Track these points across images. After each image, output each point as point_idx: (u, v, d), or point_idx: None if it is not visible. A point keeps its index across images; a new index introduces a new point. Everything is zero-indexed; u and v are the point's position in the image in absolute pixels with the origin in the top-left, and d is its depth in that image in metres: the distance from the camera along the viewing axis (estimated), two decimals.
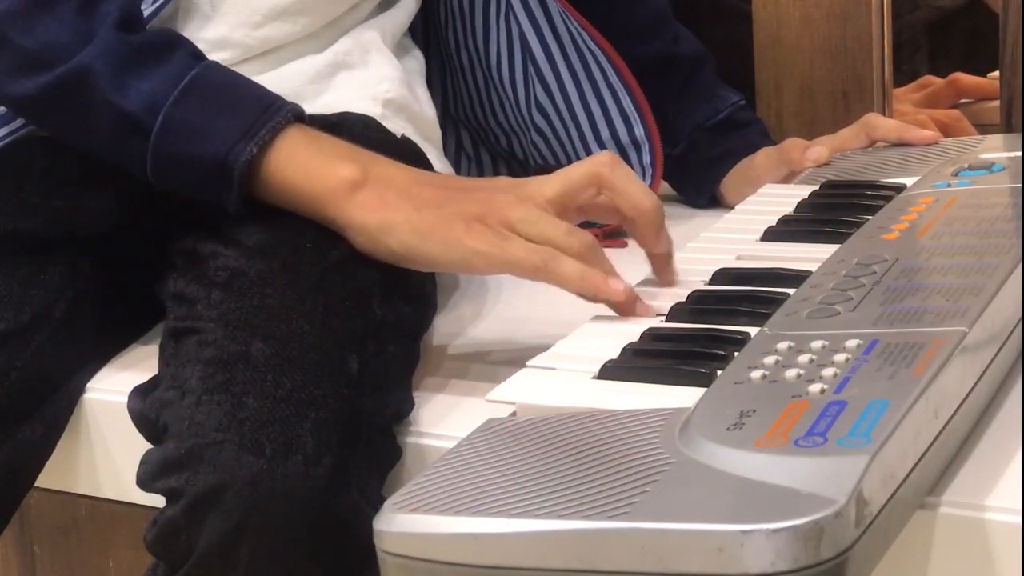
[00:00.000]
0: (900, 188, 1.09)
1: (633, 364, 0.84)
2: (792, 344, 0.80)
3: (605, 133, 1.28)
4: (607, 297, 0.92)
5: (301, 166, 0.98)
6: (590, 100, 1.27)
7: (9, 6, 1.02)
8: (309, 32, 1.12)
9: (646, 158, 1.28)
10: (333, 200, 0.97)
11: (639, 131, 1.28)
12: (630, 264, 0.99)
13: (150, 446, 0.92)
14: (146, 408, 0.94)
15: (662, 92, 1.30)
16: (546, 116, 1.28)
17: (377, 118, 1.13)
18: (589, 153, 1.28)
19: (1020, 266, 0.88)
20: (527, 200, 0.94)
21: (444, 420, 0.96)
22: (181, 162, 0.99)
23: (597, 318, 0.93)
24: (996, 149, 1.16)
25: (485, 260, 0.93)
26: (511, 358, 1.01)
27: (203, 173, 0.98)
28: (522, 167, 1.33)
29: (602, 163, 0.96)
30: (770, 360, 0.78)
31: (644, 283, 0.97)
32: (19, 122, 1.09)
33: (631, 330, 0.89)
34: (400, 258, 0.96)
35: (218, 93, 0.99)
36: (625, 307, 0.93)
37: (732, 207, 1.16)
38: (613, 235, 1.20)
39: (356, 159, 0.98)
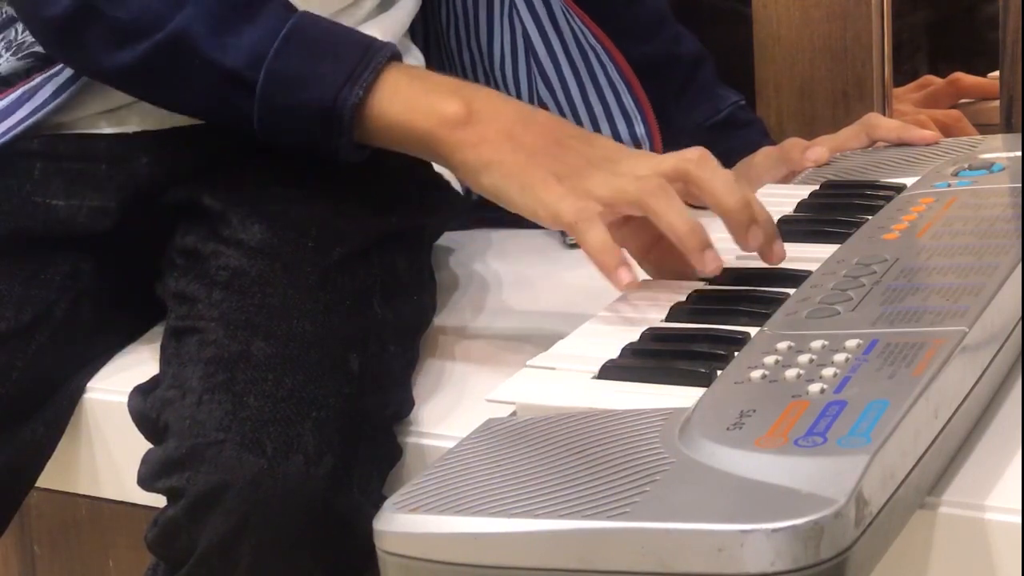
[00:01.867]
0: (900, 188, 1.09)
1: (633, 364, 0.84)
2: (792, 344, 0.80)
3: (606, 130, 1.28)
4: (611, 280, 0.92)
5: (405, 104, 0.98)
6: (591, 97, 1.27)
7: None
8: None
9: None
10: (438, 137, 0.97)
11: (640, 129, 1.28)
12: None
13: (150, 446, 0.93)
14: (147, 408, 0.95)
15: (662, 91, 1.30)
16: None
17: None
18: None
19: (1020, 266, 0.88)
20: (617, 175, 0.94)
21: (444, 420, 0.96)
22: (289, 112, 0.99)
23: (597, 318, 0.93)
24: (996, 149, 1.15)
25: (545, 212, 0.93)
26: (511, 358, 1.01)
27: (312, 120, 0.98)
28: None
29: (689, 159, 0.94)
30: (770, 360, 0.78)
31: (647, 284, 0.97)
32: (18, 117, 1.09)
33: (631, 330, 0.88)
34: (492, 196, 0.96)
35: (317, 40, 1.00)
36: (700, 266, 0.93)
37: None
38: None
39: (459, 93, 0.98)
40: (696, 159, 0.94)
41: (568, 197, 0.92)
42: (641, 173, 0.93)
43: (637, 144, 1.28)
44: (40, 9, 1.05)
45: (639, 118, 1.28)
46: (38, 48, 1.10)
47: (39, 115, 1.09)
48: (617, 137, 1.28)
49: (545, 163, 0.94)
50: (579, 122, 1.28)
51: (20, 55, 1.11)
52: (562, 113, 1.28)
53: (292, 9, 1.02)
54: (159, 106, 1.07)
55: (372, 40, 1.01)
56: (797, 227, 1.05)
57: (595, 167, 0.94)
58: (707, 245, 0.92)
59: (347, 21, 1.15)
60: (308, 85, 0.98)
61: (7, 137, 1.09)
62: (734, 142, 1.31)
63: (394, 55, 1.00)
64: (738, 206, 0.93)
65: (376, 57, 0.99)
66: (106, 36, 1.02)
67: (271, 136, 1.01)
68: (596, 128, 1.28)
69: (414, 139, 0.98)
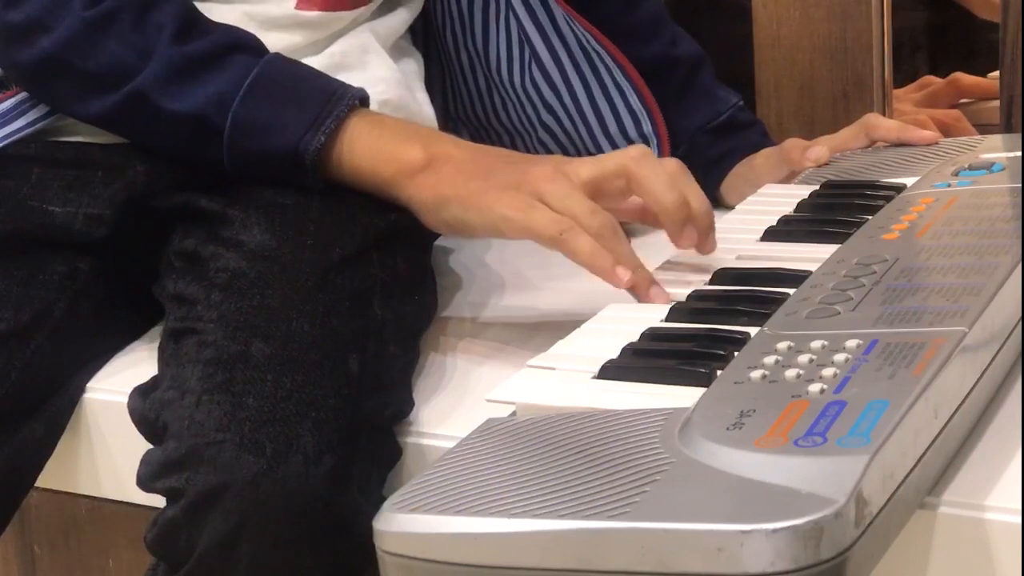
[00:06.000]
0: (900, 188, 1.09)
1: (633, 364, 0.84)
2: (792, 344, 0.80)
3: (613, 128, 1.28)
4: (610, 281, 0.95)
5: (366, 151, 1.03)
6: (598, 98, 1.28)
7: (67, 33, 1.04)
8: (307, 43, 1.13)
9: (654, 153, 1.28)
10: (398, 182, 1.02)
11: (647, 127, 1.28)
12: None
13: (150, 446, 0.92)
14: (146, 408, 0.94)
15: (662, 94, 1.30)
16: (554, 114, 1.28)
17: None
18: (599, 148, 1.28)
19: (1020, 266, 0.88)
20: (563, 177, 0.97)
21: (444, 420, 0.96)
22: (256, 157, 1.03)
23: (597, 318, 0.93)
24: (996, 149, 1.15)
25: (510, 225, 0.97)
26: (511, 358, 1.01)
27: (278, 164, 1.03)
28: None
29: (631, 156, 0.98)
30: (770, 360, 0.78)
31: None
32: (18, 124, 1.10)
33: (631, 330, 0.89)
34: (453, 229, 1.02)
35: (282, 88, 1.04)
36: (637, 293, 0.95)
37: (732, 207, 1.16)
38: None
39: (418, 140, 1.03)
40: (637, 157, 0.98)
41: (530, 209, 0.96)
42: (586, 174, 0.97)
43: (645, 143, 1.28)
44: (11, 53, 1.07)
45: (646, 117, 1.28)
46: None
47: (39, 125, 1.09)
48: (625, 136, 1.28)
49: (496, 181, 0.99)
50: (586, 122, 1.28)
51: None
52: (568, 115, 1.28)
53: (262, 54, 1.05)
54: (139, 144, 1.08)
55: (337, 87, 1.05)
56: (797, 227, 1.05)
57: (544, 168, 0.98)
58: (650, 283, 0.95)
59: (346, 23, 1.16)
60: (272, 132, 1.03)
61: (7, 141, 1.09)
62: (735, 143, 1.31)
63: (361, 99, 1.05)
64: (674, 205, 0.97)
65: (339, 105, 1.03)
66: (75, 87, 1.06)
67: (243, 175, 1.05)
68: (603, 127, 1.28)
69: (377, 183, 1.03)
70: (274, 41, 1.09)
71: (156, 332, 1.09)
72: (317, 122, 1.02)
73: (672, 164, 0.99)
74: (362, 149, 1.03)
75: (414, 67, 1.22)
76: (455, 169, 1.01)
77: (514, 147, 1.33)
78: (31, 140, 1.09)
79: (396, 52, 1.20)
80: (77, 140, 1.10)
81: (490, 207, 0.97)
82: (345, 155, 1.03)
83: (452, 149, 1.03)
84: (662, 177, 0.97)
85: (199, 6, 1.08)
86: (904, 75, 1.66)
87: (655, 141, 1.28)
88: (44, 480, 1.07)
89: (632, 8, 1.33)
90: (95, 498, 1.11)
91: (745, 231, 1.05)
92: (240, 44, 1.05)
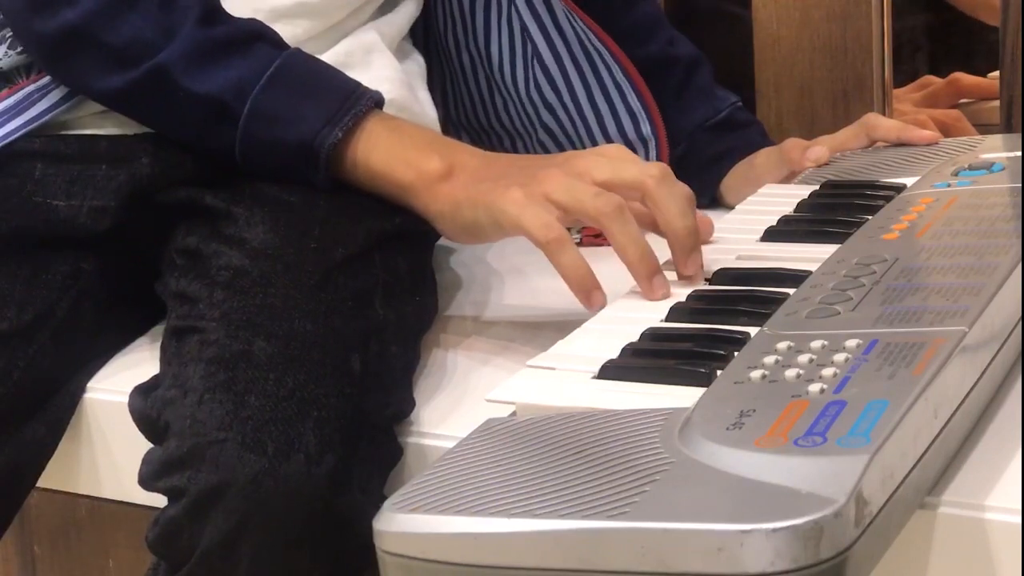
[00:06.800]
0: (900, 188, 1.09)
1: (633, 364, 0.84)
2: (792, 344, 0.80)
3: (612, 129, 1.28)
4: (584, 302, 0.95)
5: (384, 155, 1.03)
6: (597, 98, 1.28)
7: (93, 5, 1.04)
8: (311, 35, 1.13)
9: (652, 154, 1.28)
10: (415, 189, 1.03)
11: (646, 128, 1.28)
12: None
13: (151, 446, 0.93)
14: (147, 407, 0.94)
15: (661, 93, 1.30)
16: (554, 114, 1.28)
17: None
18: None
19: (1020, 266, 0.88)
20: (574, 176, 0.97)
21: (444, 420, 0.96)
22: (270, 147, 1.03)
23: (597, 318, 0.93)
24: (996, 149, 1.16)
25: (507, 219, 0.97)
26: (511, 358, 1.01)
27: (291, 157, 1.03)
28: None
29: (650, 174, 0.98)
30: (770, 360, 0.78)
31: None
32: (21, 120, 1.10)
33: (631, 330, 0.89)
34: (468, 232, 1.02)
35: (302, 81, 1.04)
36: (640, 281, 0.95)
37: (732, 207, 1.16)
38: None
39: (436, 150, 1.03)
40: (657, 176, 0.98)
41: (529, 206, 0.96)
42: (600, 176, 0.97)
43: (644, 144, 1.28)
44: (33, 24, 1.06)
45: (645, 118, 1.28)
46: None
47: (47, 117, 1.09)
48: (624, 137, 1.28)
49: (504, 182, 0.98)
50: (585, 122, 1.28)
51: (21, 50, 1.11)
52: (568, 114, 1.28)
53: (283, 47, 1.06)
54: (152, 129, 1.08)
55: (357, 86, 1.05)
56: (797, 227, 1.05)
57: (554, 166, 0.98)
58: (655, 272, 0.95)
59: (349, 24, 1.16)
60: (289, 122, 1.03)
61: (15, 136, 1.09)
62: (734, 142, 1.32)
63: (377, 102, 1.05)
64: (685, 231, 0.97)
65: (358, 104, 1.03)
66: (96, 60, 1.05)
67: (252, 166, 1.05)
68: (602, 127, 1.28)
69: (392, 188, 1.03)
70: (279, 32, 1.09)
71: (156, 332, 1.09)
72: (335, 118, 1.02)
73: (687, 189, 0.98)
74: (380, 152, 1.03)
75: (416, 68, 1.22)
76: (470, 176, 1.01)
77: (514, 150, 1.33)
78: (36, 134, 1.10)
79: (399, 53, 1.20)
80: (82, 133, 1.10)
81: (494, 202, 0.97)
82: (360, 155, 1.03)
83: (468, 158, 1.03)
84: (678, 200, 0.97)
85: None
86: (904, 75, 1.66)
87: (654, 143, 1.28)
88: (44, 480, 1.07)
89: (630, 8, 1.33)
90: (95, 498, 1.11)
91: (745, 231, 1.05)
92: (263, 35, 1.06)
